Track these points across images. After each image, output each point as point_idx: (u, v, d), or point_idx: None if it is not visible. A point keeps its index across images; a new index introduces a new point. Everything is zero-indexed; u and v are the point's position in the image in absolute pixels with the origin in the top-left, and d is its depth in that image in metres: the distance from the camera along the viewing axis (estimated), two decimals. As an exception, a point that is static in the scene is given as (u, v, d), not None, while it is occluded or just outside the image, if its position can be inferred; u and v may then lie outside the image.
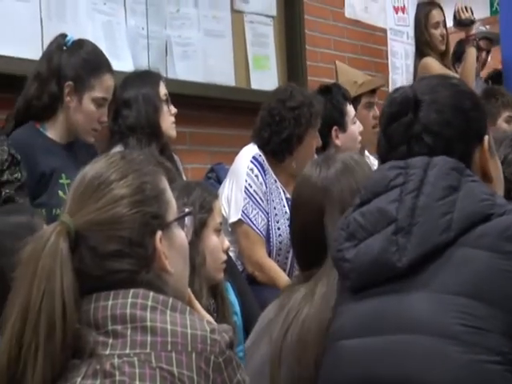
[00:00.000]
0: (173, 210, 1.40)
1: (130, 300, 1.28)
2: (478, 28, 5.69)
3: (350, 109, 3.56)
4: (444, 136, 1.58)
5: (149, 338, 1.25)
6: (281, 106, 3.13)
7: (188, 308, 1.33)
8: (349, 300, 1.55)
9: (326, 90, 3.55)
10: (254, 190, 3.08)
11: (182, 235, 1.42)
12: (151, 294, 1.30)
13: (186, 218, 1.50)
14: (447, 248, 1.45)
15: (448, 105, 1.60)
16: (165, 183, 1.40)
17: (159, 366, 1.22)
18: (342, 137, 3.50)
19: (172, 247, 1.37)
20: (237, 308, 2.52)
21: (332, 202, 1.80)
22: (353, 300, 1.53)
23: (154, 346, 1.24)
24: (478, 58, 5.00)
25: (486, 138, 1.63)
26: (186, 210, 1.63)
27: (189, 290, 1.50)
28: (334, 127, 3.47)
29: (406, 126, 1.59)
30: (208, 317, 1.57)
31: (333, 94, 3.52)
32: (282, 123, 3.11)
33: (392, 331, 1.45)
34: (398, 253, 1.46)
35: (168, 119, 2.95)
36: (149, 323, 1.26)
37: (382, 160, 1.66)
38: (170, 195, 1.40)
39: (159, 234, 1.34)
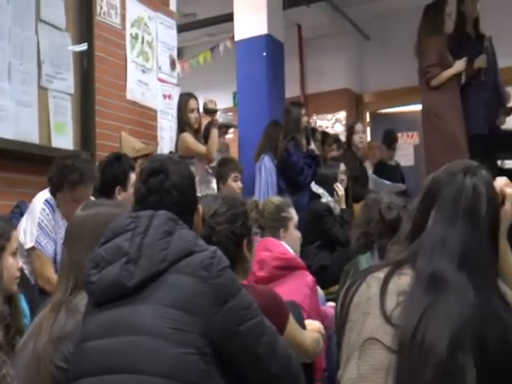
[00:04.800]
0: None
1: None
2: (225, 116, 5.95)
3: (133, 175, 3.46)
4: (180, 196, 1.68)
5: None
6: (63, 167, 3.04)
7: None
8: (93, 312, 1.55)
9: (118, 158, 3.48)
10: (46, 225, 3.00)
11: None
12: None
13: None
14: (163, 274, 1.49)
15: (186, 177, 1.71)
16: None
17: None
18: (123, 194, 3.40)
19: None
20: (27, 313, 2.43)
21: None
22: (96, 312, 1.54)
23: None
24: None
25: (200, 206, 1.76)
26: None
27: None
28: (118, 187, 3.38)
29: (160, 181, 1.68)
30: None
31: (122, 162, 3.44)
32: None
33: (124, 333, 1.46)
34: (129, 277, 1.49)
35: None
36: None
37: (138, 202, 1.70)
38: None
39: None
